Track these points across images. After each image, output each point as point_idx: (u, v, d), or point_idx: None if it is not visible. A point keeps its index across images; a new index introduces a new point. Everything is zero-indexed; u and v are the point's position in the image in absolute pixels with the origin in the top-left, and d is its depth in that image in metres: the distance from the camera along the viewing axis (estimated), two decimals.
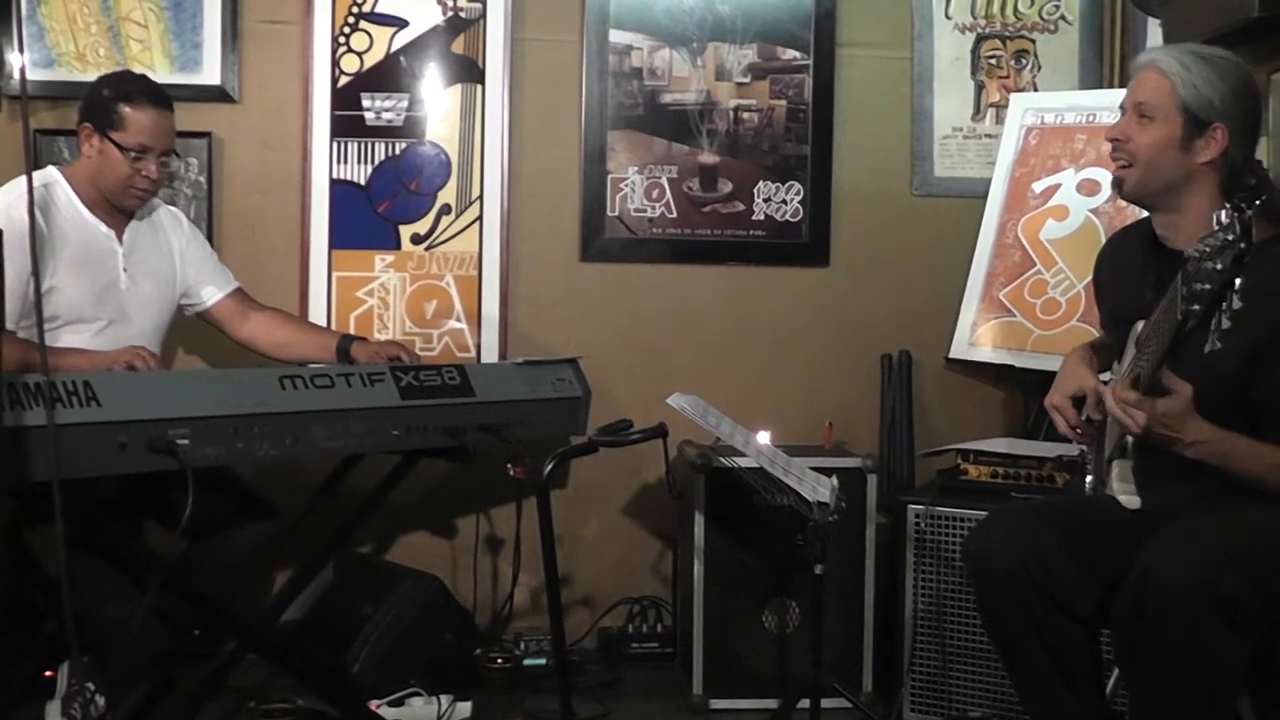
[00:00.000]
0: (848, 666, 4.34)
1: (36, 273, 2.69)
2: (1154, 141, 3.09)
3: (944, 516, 4.12)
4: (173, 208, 4.33)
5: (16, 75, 4.49)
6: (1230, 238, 2.45)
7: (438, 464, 4.02)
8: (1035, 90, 5.05)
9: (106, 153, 3.89)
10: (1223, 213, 2.47)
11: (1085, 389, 3.16)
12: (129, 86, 3.92)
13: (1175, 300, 2.59)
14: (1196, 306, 2.50)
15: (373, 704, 4.02)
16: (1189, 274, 2.50)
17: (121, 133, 3.87)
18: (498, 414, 3.99)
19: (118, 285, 3.99)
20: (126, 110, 3.87)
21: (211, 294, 4.27)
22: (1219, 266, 2.45)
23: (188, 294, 4.24)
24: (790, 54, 4.98)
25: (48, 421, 2.88)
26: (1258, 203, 2.48)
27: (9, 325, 3.20)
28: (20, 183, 3.86)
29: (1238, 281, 2.45)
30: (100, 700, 3.64)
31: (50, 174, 3.97)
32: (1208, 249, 2.47)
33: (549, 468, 3.71)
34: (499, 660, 4.48)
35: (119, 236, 4.02)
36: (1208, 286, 2.47)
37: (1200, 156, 3.07)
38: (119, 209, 4.02)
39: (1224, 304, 2.48)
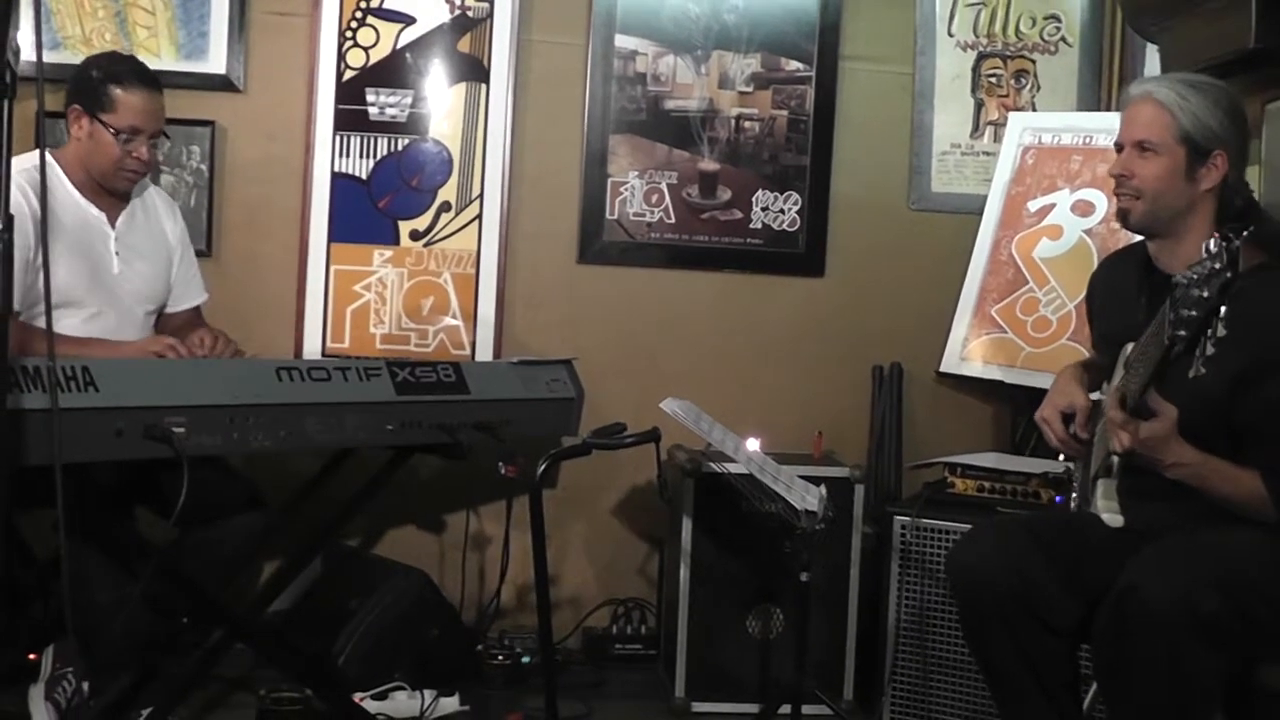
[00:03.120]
0: (830, 674, 4.38)
1: (46, 257, 2.70)
2: (1159, 174, 3.12)
3: (929, 528, 4.14)
4: (166, 195, 4.32)
5: (24, 58, 4.49)
6: (1217, 266, 2.47)
7: (429, 459, 4.04)
8: (1034, 110, 5.09)
9: (96, 135, 3.87)
10: (1211, 241, 2.50)
11: (1075, 406, 3.20)
12: (119, 68, 3.89)
13: (1163, 325, 2.62)
14: (1183, 332, 2.53)
15: (356, 697, 4.04)
16: (1176, 299, 2.53)
17: (112, 114, 3.84)
18: (491, 412, 4.00)
19: (110, 269, 3.97)
20: (117, 92, 3.84)
21: (178, 302, 4.25)
22: (1206, 294, 2.48)
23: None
24: (793, 65, 5.01)
25: (51, 406, 2.89)
26: (1245, 234, 2.51)
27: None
28: (18, 164, 3.86)
29: (1223, 310, 2.48)
30: (84, 685, 3.65)
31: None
32: (1195, 276, 2.50)
33: (542, 468, 3.73)
34: (499, 657, 4.52)
35: (111, 220, 4.00)
36: (1194, 313, 2.50)
37: (1203, 184, 3.12)
38: (110, 192, 3.99)
39: (1209, 331, 2.51)
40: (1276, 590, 2.81)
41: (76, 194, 3.93)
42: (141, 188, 4.13)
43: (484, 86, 4.89)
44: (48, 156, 3.87)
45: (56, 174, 3.91)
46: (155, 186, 4.28)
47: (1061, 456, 3.44)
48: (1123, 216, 3.22)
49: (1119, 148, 3.22)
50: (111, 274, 3.97)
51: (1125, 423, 2.84)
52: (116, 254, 3.99)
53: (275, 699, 4.02)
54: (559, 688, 3.90)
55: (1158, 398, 2.84)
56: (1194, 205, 3.13)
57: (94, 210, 3.96)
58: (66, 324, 3.78)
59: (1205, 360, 2.54)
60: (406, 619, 4.37)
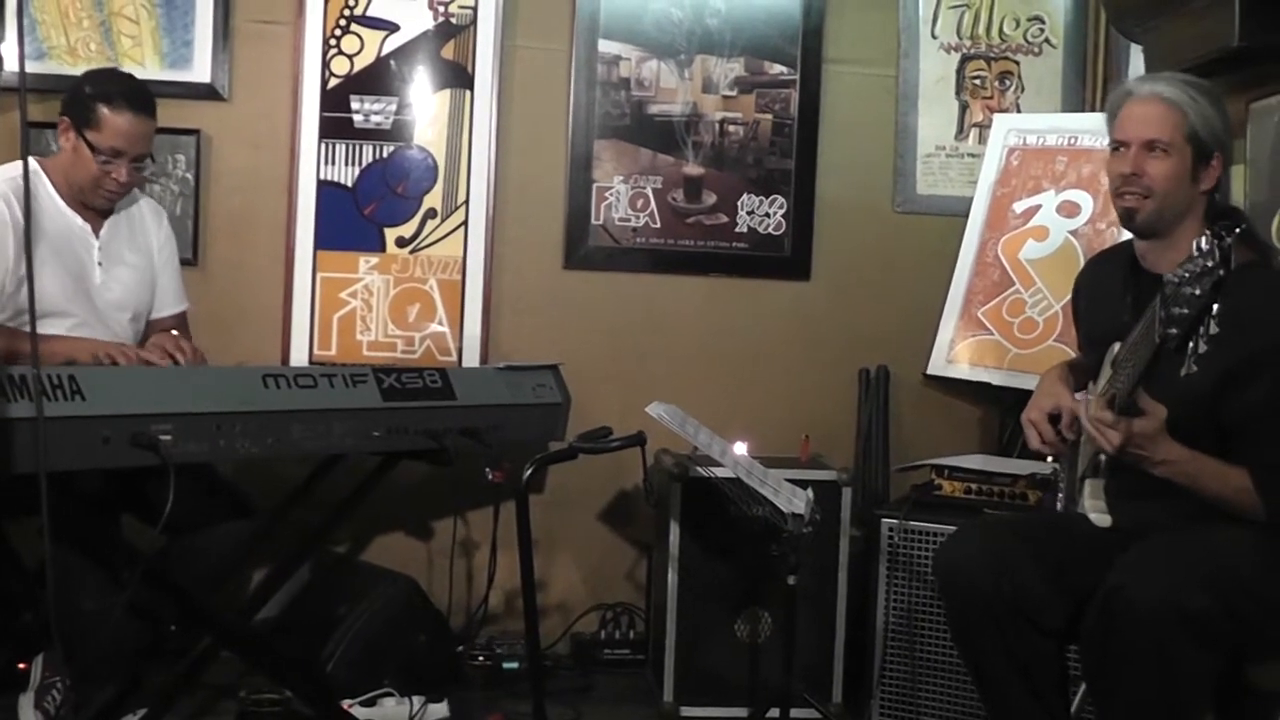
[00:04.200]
0: (818, 677, 4.37)
1: (30, 266, 2.69)
2: (1170, 174, 3.11)
3: (917, 531, 4.15)
4: (155, 203, 4.31)
5: (8, 67, 4.48)
6: (1209, 264, 2.48)
7: (416, 466, 4.03)
8: (1018, 111, 5.10)
9: (79, 150, 3.85)
10: (1203, 239, 2.51)
11: (1062, 407, 3.20)
12: (111, 87, 3.87)
13: (1154, 323, 2.62)
14: (1174, 330, 2.54)
15: (345, 703, 4.03)
16: (1168, 298, 2.54)
17: (96, 133, 3.82)
18: (478, 418, 4.01)
19: (93, 279, 3.97)
20: (104, 112, 3.81)
21: (163, 308, 4.24)
22: (1197, 292, 2.49)
23: None
24: (777, 69, 5.01)
25: (36, 414, 2.89)
26: (1237, 231, 2.51)
27: None
28: (4, 173, 3.87)
29: (1215, 307, 2.49)
30: (73, 693, 3.65)
31: (29, 164, 3.92)
32: (1187, 274, 2.50)
33: (528, 473, 3.74)
34: (480, 658, 4.52)
35: (95, 230, 3.99)
36: (1186, 311, 2.51)
37: (1203, 185, 3.13)
38: (89, 206, 3.99)
39: (1201, 329, 2.51)
40: (1264, 588, 2.81)
41: (61, 203, 3.92)
42: (130, 199, 4.12)
43: (468, 93, 4.89)
44: (35, 166, 3.90)
45: (42, 183, 3.91)
46: (145, 196, 4.27)
47: (1049, 458, 3.45)
48: (1128, 216, 3.18)
49: (1119, 146, 3.19)
50: (94, 284, 3.97)
51: (1115, 422, 2.85)
52: (99, 264, 3.98)
53: (255, 700, 4.03)
54: (548, 693, 3.90)
55: (1146, 397, 2.85)
56: (1191, 206, 3.14)
57: (78, 220, 3.95)
58: (50, 333, 3.77)
59: (1198, 358, 2.54)
60: (394, 625, 4.37)
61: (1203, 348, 2.53)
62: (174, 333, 4.01)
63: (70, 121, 3.86)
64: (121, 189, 3.96)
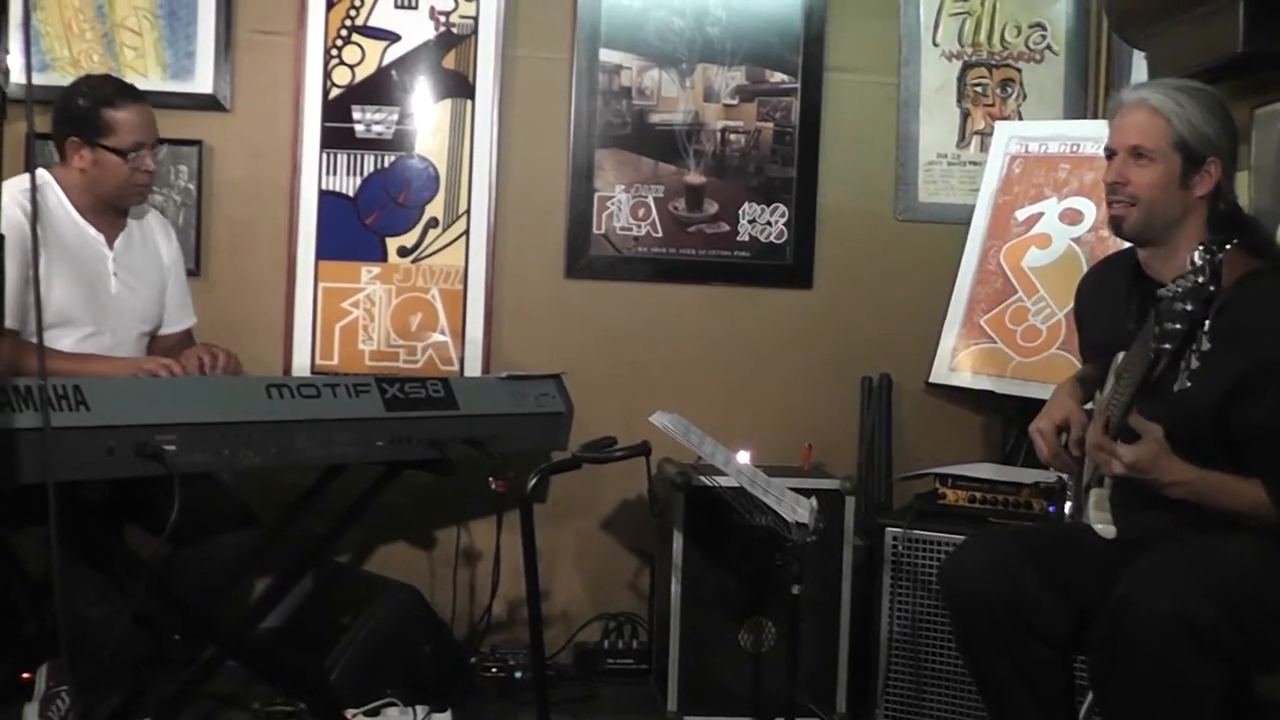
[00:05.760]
0: (822, 687, 4.36)
1: (37, 277, 2.70)
2: (1155, 181, 3.10)
3: (921, 540, 4.14)
4: (162, 216, 4.33)
5: (14, 79, 4.47)
6: (1200, 280, 2.48)
7: (418, 475, 4.02)
8: (1020, 119, 5.10)
9: (102, 160, 3.86)
10: (1196, 254, 2.50)
11: (1071, 420, 3.19)
12: (103, 90, 3.89)
13: (1148, 338, 2.62)
14: (1168, 345, 2.53)
15: (349, 713, 4.03)
16: (1161, 312, 2.53)
17: (113, 137, 3.84)
18: (481, 427, 4.00)
19: (108, 289, 3.98)
20: (111, 114, 3.84)
21: (170, 324, 4.26)
22: (1189, 307, 2.49)
23: None
24: (778, 77, 5.01)
25: (43, 424, 2.89)
26: (1229, 246, 2.51)
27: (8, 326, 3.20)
28: (14, 185, 3.86)
29: (1207, 323, 2.49)
30: (78, 702, 3.64)
31: (41, 175, 3.89)
32: (1179, 290, 2.50)
33: (533, 482, 3.72)
34: (494, 669, 4.52)
35: (109, 241, 4.00)
36: (1178, 326, 2.50)
37: (1197, 191, 3.11)
38: (118, 210, 4.01)
39: (1194, 344, 2.51)
40: (1273, 599, 2.81)
41: (75, 214, 3.94)
42: (140, 211, 4.13)
43: (469, 102, 4.89)
44: (47, 177, 3.92)
45: (56, 194, 3.92)
46: (153, 210, 4.28)
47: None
48: (1116, 224, 3.20)
49: (1110, 154, 3.20)
50: (109, 294, 3.98)
51: (1110, 446, 2.84)
52: (114, 275, 4.00)
53: (270, 712, 4.03)
54: (551, 702, 3.90)
55: (1140, 418, 2.83)
56: (1187, 213, 3.12)
57: (92, 231, 3.97)
58: (63, 343, 3.82)
59: (1191, 374, 2.54)
60: (397, 635, 4.35)
61: (1195, 363, 2.53)
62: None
63: (80, 139, 3.86)
64: (151, 179, 4.01)
